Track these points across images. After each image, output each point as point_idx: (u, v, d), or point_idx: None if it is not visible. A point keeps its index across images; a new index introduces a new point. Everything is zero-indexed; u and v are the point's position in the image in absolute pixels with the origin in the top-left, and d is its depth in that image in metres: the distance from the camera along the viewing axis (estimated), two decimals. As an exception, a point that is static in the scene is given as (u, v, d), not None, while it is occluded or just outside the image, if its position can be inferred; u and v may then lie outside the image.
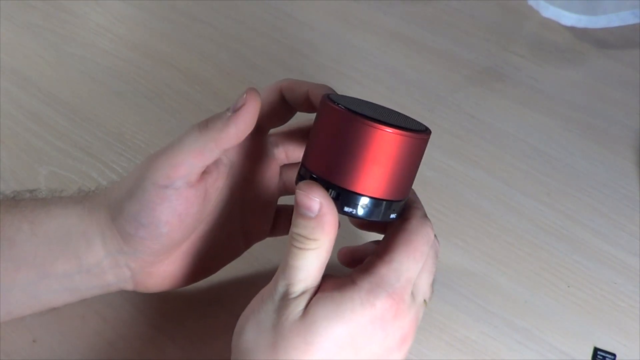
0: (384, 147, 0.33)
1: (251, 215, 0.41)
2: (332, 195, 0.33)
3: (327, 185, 0.33)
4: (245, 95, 0.35)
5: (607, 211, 0.53)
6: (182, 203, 0.36)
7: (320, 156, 0.34)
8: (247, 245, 0.42)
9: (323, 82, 0.38)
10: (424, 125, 0.36)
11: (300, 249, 0.32)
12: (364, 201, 0.33)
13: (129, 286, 0.39)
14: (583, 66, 0.64)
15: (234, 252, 0.42)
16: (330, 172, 0.33)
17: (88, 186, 0.51)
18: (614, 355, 0.44)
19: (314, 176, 0.34)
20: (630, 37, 0.66)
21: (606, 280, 0.48)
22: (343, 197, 0.33)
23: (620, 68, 0.64)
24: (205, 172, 0.37)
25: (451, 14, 0.68)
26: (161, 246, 0.37)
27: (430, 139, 0.37)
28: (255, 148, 0.40)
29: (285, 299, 0.33)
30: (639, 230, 0.51)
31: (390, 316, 0.33)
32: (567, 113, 0.60)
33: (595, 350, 0.45)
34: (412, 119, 0.37)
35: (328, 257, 0.33)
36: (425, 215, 0.36)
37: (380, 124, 0.32)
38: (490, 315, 0.46)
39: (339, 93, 0.38)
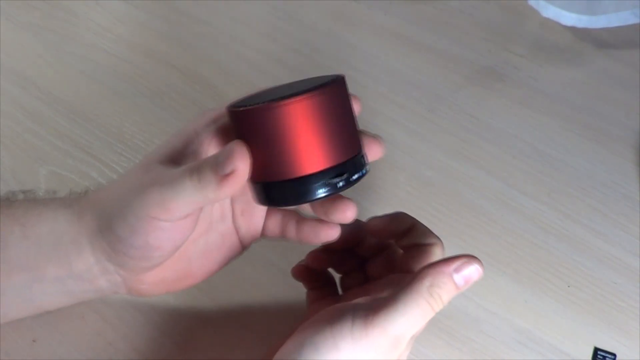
0: (297, 121, 0.31)
1: (241, 214, 0.40)
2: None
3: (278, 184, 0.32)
4: (234, 157, 0.32)
5: (607, 211, 0.53)
6: (176, 232, 0.35)
7: (262, 163, 0.32)
8: (244, 245, 0.42)
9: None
10: (329, 77, 0.33)
11: (432, 311, 0.33)
12: (323, 177, 0.32)
13: (122, 290, 0.39)
14: (583, 66, 0.64)
15: (230, 253, 0.41)
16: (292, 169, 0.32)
17: (86, 186, 0.51)
18: (614, 355, 0.44)
19: (269, 182, 0.33)
20: (630, 37, 0.66)
21: (606, 280, 0.48)
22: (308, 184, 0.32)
23: (620, 68, 0.64)
24: None
25: (451, 14, 0.68)
26: (152, 264, 0.37)
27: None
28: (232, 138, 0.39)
29: (398, 342, 0.33)
30: (639, 230, 0.51)
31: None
32: (567, 113, 0.60)
33: (595, 350, 0.44)
34: (320, 77, 0.35)
35: None
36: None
37: (271, 103, 0.31)
38: (490, 315, 0.46)
39: (242, 107, 0.36)
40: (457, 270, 0.34)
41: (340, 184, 0.33)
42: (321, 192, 0.32)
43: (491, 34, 0.66)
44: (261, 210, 0.40)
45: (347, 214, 0.36)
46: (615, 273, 0.49)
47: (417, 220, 0.40)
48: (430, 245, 0.38)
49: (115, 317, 0.43)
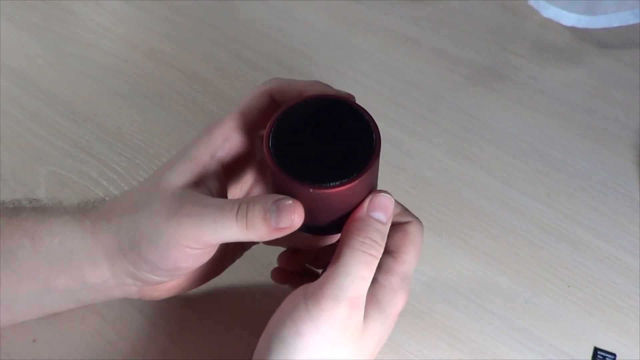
0: (348, 195, 0.34)
1: None
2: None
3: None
4: (295, 213, 0.33)
5: (607, 211, 0.53)
6: (205, 257, 0.36)
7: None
8: (246, 247, 0.42)
9: (323, 82, 0.38)
10: (371, 135, 0.35)
11: (372, 256, 0.33)
12: None
13: (134, 297, 0.39)
14: (583, 66, 0.64)
15: (234, 255, 0.42)
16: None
17: (89, 186, 0.51)
18: (614, 355, 0.44)
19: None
20: (630, 37, 0.66)
21: (606, 280, 0.48)
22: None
23: (620, 68, 0.64)
24: None
25: (451, 14, 0.68)
26: (172, 278, 0.37)
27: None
28: (247, 150, 0.39)
29: (351, 311, 0.33)
30: (639, 230, 0.51)
31: (399, 311, 0.37)
32: (567, 113, 0.60)
33: (595, 350, 0.44)
34: (361, 121, 0.36)
35: None
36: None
37: (313, 185, 0.33)
38: (490, 315, 0.46)
39: (327, 96, 0.37)
40: (370, 209, 0.34)
41: None
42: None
43: (491, 34, 0.66)
44: None
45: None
46: (615, 273, 0.49)
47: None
48: (407, 223, 0.37)
49: (115, 317, 0.43)
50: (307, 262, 0.43)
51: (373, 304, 0.35)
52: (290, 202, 0.33)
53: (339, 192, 0.33)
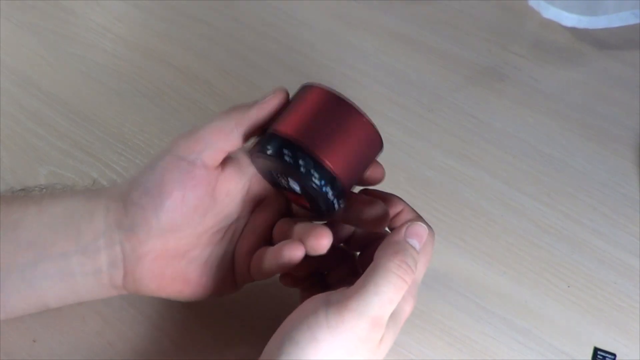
0: (356, 131, 0.36)
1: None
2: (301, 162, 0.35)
3: (302, 151, 0.35)
4: (273, 93, 0.38)
5: (607, 211, 0.53)
6: (191, 178, 0.37)
7: (300, 125, 0.36)
8: (238, 284, 0.42)
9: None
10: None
11: (405, 282, 0.34)
12: (327, 176, 0.35)
13: (119, 277, 0.38)
14: (583, 66, 0.64)
15: (225, 280, 0.41)
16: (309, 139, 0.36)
17: (89, 186, 0.51)
18: (614, 355, 0.44)
19: (288, 138, 0.36)
20: (630, 37, 0.66)
21: (606, 280, 0.48)
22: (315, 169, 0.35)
23: (620, 68, 0.64)
24: (221, 166, 0.38)
25: (451, 14, 0.68)
26: (158, 223, 0.37)
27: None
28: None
29: (373, 329, 0.33)
30: (639, 230, 0.51)
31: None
32: (567, 113, 0.60)
33: (595, 350, 0.44)
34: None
35: None
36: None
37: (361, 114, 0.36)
38: (490, 315, 0.46)
39: (338, 93, 0.38)
40: (407, 235, 0.36)
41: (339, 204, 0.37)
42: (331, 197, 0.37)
43: (491, 34, 0.66)
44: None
45: (323, 241, 0.36)
46: (615, 273, 0.49)
47: (407, 204, 0.40)
48: None
49: (115, 317, 0.43)
50: (315, 267, 0.43)
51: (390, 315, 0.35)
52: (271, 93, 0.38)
53: (364, 124, 0.36)
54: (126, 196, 0.37)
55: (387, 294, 0.33)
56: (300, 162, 0.35)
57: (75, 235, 0.37)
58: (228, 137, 0.37)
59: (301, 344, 0.33)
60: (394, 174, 0.54)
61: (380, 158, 0.39)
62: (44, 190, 0.42)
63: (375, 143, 0.37)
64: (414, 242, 0.36)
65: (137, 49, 0.63)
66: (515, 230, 0.51)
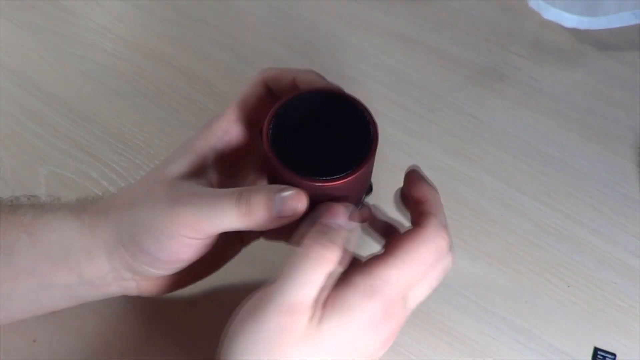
0: (323, 195, 0.34)
1: None
2: None
3: None
4: (298, 206, 0.33)
5: (607, 211, 0.53)
6: (204, 248, 0.36)
7: None
8: (244, 244, 0.42)
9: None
10: (370, 132, 0.36)
11: (320, 261, 0.32)
12: None
13: (133, 293, 0.39)
14: (583, 66, 0.64)
15: (233, 251, 0.42)
16: None
17: (89, 186, 0.51)
18: (614, 355, 0.44)
19: None
20: (630, 38, 0.66)
21: (606, 280, 0.48)
22: None
23: (620, 68, 0.64)
24: None
25: (451, 14, 0.68)
26: (172, 270, 0.37)
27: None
28: (247, 142, 0.39)
29: (291, 316, 0.31)
30: (639, 230, 0.51)
31: (380, 318, 0.33)
32: (567, 113, 0.60)
33: (595, 350, 0.44)
34: (358, 116, 0.36)
35: None
36: (443, 226, 0.35)
37: (308, 179, 0.33)
38: (490, 315, 0.46)
39: (320, 90, 0.37)
40: (322, 217, 0.34)
41: None
42: None
43: (491, 34, 0.66)
44: None
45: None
46: (615, 273, 0.49)
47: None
48: (414, 228, 0.36)
49: (115, 317, 0.43)
50: None
51: (328, 305, 0.32)
52: (294, 191, 0.33)
53: (340, 185, 0.34)
54: (132, 254, 0.36)
55: (304, 277, 0.31)
56: None
57: (77, 270, 0.37)
58: (239, 229, 0.35)
59: (225, 341, 0.33)
60: (394, 174, 0.54)
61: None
62: (34, 198, 0.41)
63: (353, 180, 0.34)
64: (330, 220, 0.33)
65: (137, 49, 0.63)
66: (515, 230, 0.51)
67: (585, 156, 0.56)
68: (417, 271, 0.34)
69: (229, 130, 0.37)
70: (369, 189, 0.38)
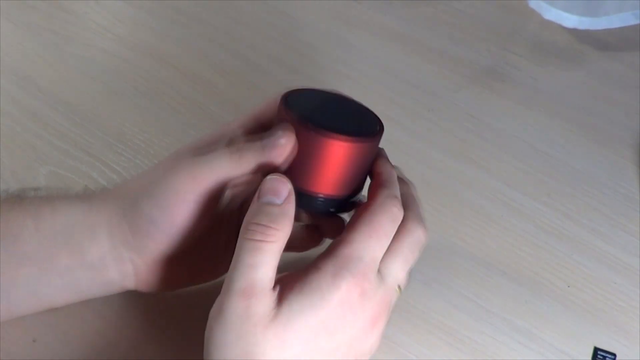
0: (329, 153, 0.35)
1: None
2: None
3: None
4: (282, 140, 0.34)
5: (607, 211, 0.53)
6: (201, 208, 0.36)
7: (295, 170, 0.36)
8: None
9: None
10: (377, 123, 0.37)
11: (258, 241, 0.32)
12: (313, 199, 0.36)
13: (131, 284, 0.39)
14: (583, 66, 0.64)
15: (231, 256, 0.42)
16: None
17: (89, 186, 0.51)
18: (614, 355, 0.44)
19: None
20: (630, 38, 0.66)
21: (606, 280, 0.48)
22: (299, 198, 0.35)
23: (620, 68, 0.64)
24: None
25: (451, 14, 0.68)
26: (168, 246, 0.37)
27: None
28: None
29: (247, 301, 0.32)
30: (639, 230, 0.51)
31: (356, 296, 0.33)
32: (567, 113, 0.60)
33: (595, 350, 0.44)
34: (366, 112, 0.38)
35: (281, 252, 0.33)
36: (393, 196, 0.36)
37: (326, 132, 0.34)
38: (490, 315, 0.46)
39: (333, 91, 0.38)
40: (259, 196, 0.34)
41: (332, 210, 0.37)
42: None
43: (491, 34, 0.66)
44: None
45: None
46: (615, 273, 0.49)
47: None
48: (368, 202, 0.37)
49: (116, 317, 0.43)
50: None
51: (294, 288, 0.33)
52: (282, 130, 0.35)
53: (338, 148, 0.34)
54: (131, 221, 0.36)
55: (244, 261, 0.32)
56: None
57: (79, 252, 0.37)
58: (234, 180, 0.36)
59: (206, 335, 0.33)
60: (394, 174, 0.54)
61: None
62: (39, 191, 0.41)
63: (361, 149, 0.36)
64: (267, 198, 0.34)
65: (137, 49, 0.63)
66: (515, 230, 0.51)
67: (585, 156, 0.56)
68: (378, 241, 0.34)
69: (253, 119, 0.39)
70: (358, 188, 0.38)
